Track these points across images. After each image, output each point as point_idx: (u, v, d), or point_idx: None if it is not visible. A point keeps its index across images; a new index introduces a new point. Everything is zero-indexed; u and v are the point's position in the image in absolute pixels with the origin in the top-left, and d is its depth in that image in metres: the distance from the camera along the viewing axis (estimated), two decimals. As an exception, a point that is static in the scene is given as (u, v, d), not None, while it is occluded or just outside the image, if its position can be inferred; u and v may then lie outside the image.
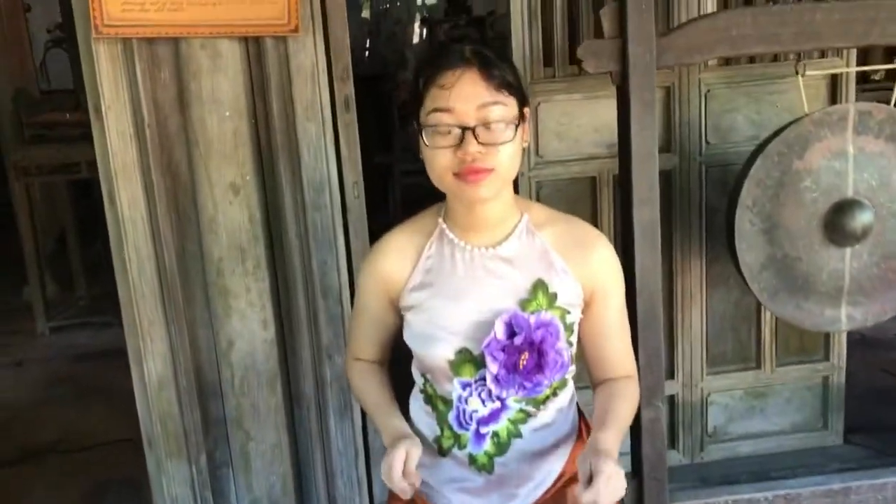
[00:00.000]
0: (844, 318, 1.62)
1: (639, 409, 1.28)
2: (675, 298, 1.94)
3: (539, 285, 1.03)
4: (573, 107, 1.85)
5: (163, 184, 1.59)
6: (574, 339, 1.07)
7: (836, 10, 1.47)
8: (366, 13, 7.64)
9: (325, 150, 1.63)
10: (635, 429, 1.49)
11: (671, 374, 1.96)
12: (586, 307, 1.08)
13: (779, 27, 1.45)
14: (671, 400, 1.98)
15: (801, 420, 2.07)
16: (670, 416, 1.99)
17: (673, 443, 2.02)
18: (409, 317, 1.06)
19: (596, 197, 1.88)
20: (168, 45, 1.51)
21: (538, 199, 1.86)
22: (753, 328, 2.00)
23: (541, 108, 1.83)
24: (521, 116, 0.98)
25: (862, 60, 2.17)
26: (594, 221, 1.89)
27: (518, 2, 1.78)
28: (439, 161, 0.95)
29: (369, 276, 1.09)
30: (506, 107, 0.95)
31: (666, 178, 1.88)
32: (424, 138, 0.95)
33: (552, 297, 1.03)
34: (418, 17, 7.56)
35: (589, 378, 1.11)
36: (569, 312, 1.04)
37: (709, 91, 1.89)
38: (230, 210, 1.59)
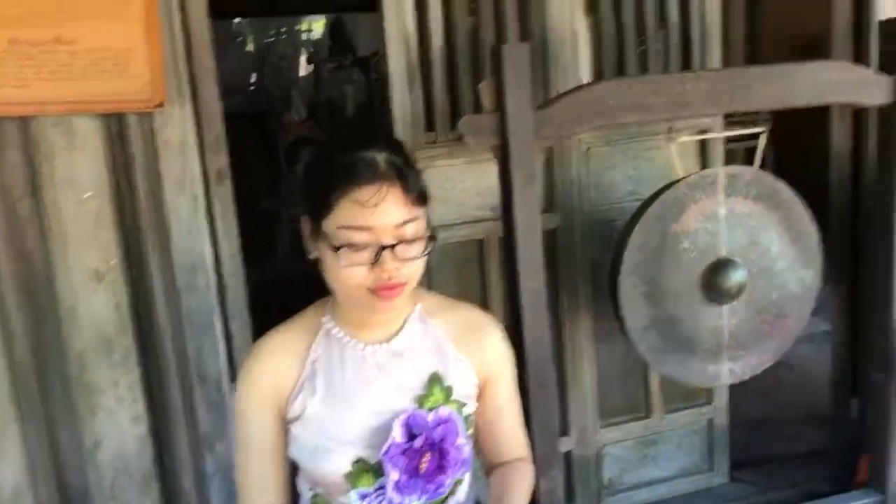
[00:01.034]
0: (726, 372, 1.68)
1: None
2: (565, 355, 1.96)
3: (434, 379, 1.00)
4: (456, 171, 1.83)
5: (14, 272, 1.43)
6: (472, 430, 1.04)
7: (703, 79, 1.53)
8: (251, 46, 7.46)
9: (199, 227, 1.53)
10: (532, 502, 1.47)
11: (565, 431, 1.97)
12: (480, 393, 1.05)
13: (651, 97, 1.49)
14: (567, 456, 1.98)
15: (689, 464, 2.14)
16: (567, 473, 1.99)
17: (571, 498, 2.03)
18: (295, 429, 0.97)
19: (483, 260, 1.88)
20: (15, 125, 1.38)
21: (428, 267, 1.83)
22: (642, 379, 2.05)
23: (424, 174, 1.80)
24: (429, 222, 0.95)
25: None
26: (482, 284, 1.88)
27: (397, 66, 1.76)
28: (352, 279, 0.89)
29: (250, 389, 0.99)
30: (420, 220, 0.91)
31: (551, 236, 1.90)
32: (334, 253, 0.89)
33: (448, 391, 1.00)
34: (304, 52, 7.45)
35: (482, 462, 1.07)
36: (465, 405, 1.01)
37: (588, 150, 1.93)
38: (93, 298, 1.46)
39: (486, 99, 1.42)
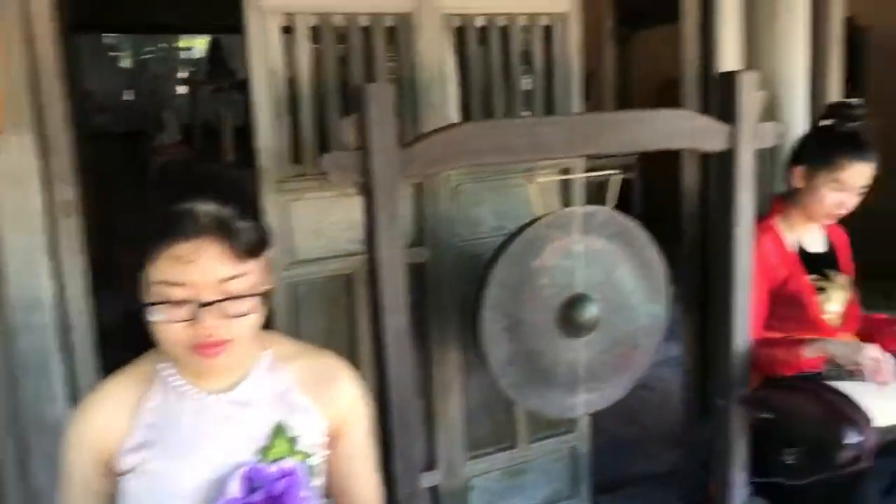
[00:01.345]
0: (583, 404, 1.75)
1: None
2: (433, 388, 1.97)
3: (279, 430, 0.97)
4: (325, 204, 1.82)
5: None
6: (319, 481, 1.02)
7: (561, 124, 1.62)
8: (127, 62, 7.12)
9: (38, 263, 1.43)
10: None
11: (432, 465, 1.98)
12: (332, 442, 1.04)
13: (513, 139, 1.55)
14: (433, 491, 1.99)
15: (554, 491, 2.20)
16: (435, 506, 2.01)
17: (440, 532, 2.04)
18: (128, 483, 0.92)
19: (353, 295, 1.87)
20: None
21: (296, 301, 1.80)
22: (508, 409, 2.09)
23: (292, 207, 1.78)
24: (265, 271, 0.92)
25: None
26: (351, 320, 1.87)
27: (263, 97, 1.73)
28: (172, 335, 0.86)
29: (77, 439, 0.94)
30: (248, 276, 0.88)
31: (420, 270, 1.93)
32: (152, 308, 0.85)
33: (293, 442, 0.97)
34: (182, 71, 7.20)
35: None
36: (312, 455, 0.99)
37: (458, 186, 1.98)
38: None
39: (348, 136, 1.42)
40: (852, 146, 1.87)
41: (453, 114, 1.95)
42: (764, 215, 2.04)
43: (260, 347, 0.99)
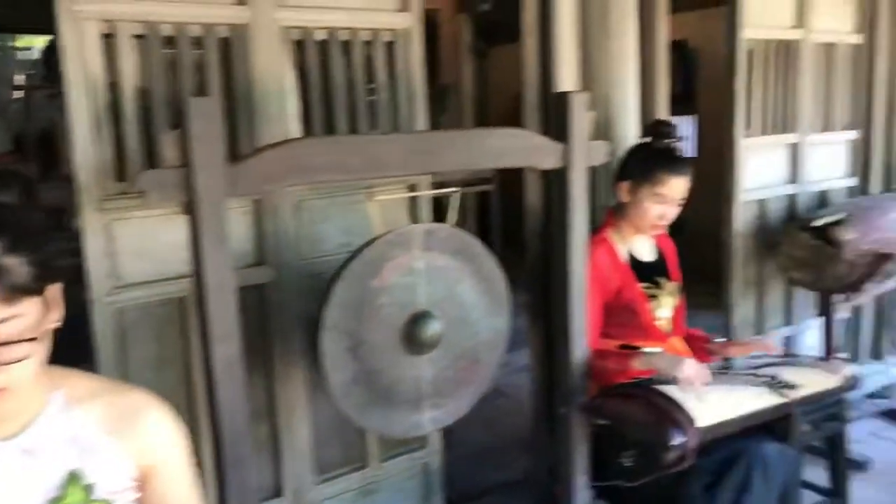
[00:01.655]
0: (428, 421, 1.74)
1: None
2: (278, 412, 1.91)
3: (73, 478, 0.88)
4: (154, 224, 1.71)
5: None
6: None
7: (398, 142, 1.61)
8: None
9: None
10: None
11: (279, 492, 1.91)
12: (145, 483, 0.96)
13: (349, 156, 1.52)
14: (282, 518, 1.92)
15: (408, 509, 2.19)
16: (283, 535, 1.94)
17: (289, 560, 1.96)
18: None
19: (185, 320, 1.76)
20: None
21: (122, 329, 1.68)
22: (358, 428, 2.06)
23: (115, 227, 1.66)
24: (48, 307, 0.83)
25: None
26: (184, 346, 1.77)
27: (80, 110, 1.60)
28: None
29: None
30: (21, 318, 0.79)
31: (261, 291, 1.86)
32: None
33: (89, 490, 0.89)
34: (18, 73, 6.63)
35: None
36: (112, 503, 0.91)
37: (300, 203, 1.92)
38: None
39: (171, 152, 1.34)
40: (669, 161, 2.01)
41: (294, 128, 1.90)
42: (598, 228, 2.15)
43: (49, 388, 0.90)
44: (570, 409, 1.92)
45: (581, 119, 1.81)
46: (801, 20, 3.03)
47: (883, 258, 2.75)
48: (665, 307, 2.15)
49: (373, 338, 1.63)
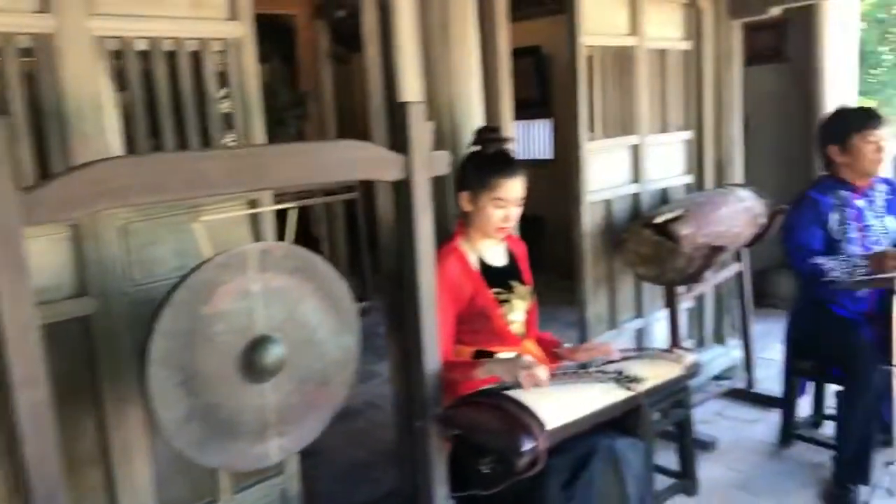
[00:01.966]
0: (275, 450, 1.66)
1: None
2: (112, 454, 1.75)
3: None
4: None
5: None
6: None
7: (222, 158, 1.51)
8: None
9: None
10: None
11: (117, 541, 1.76)
12: None
13: (166, 176, 1.41)
14: (121, 569, 1.77)
15: (267, 539, 2.09)
16: (125, 585, 1.78)
17: None
18: None
19: None
20: None
21: None
22: (205, 463, 1.94)
23: None
24: None
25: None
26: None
27: None
28: None
29: None
30: None
31: (84, 324, 1.70)
32: None
33: None
34: None
35: None
36: None
37: (125, 226, 1.78)
38: None
39: (-51, 182, 1.19)
40: (501, 165, 2.06)
41: (115, 145, 1.76)
42: (449, 238, 2.16)
43: None
44: (426, 422, 1.90)
45: (420, 129, 1.79)
46: (634, 28, 3.19)
47: (716, 250, 2.94)
48: (518, 311, 2.19)
49: (207, 369, 1.53)
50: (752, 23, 4.81)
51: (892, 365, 2.32)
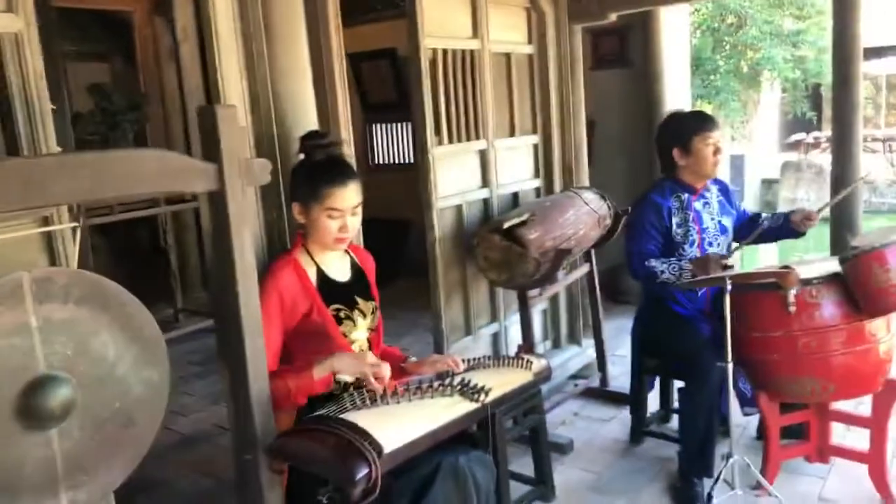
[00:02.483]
0: (66, 505, 1.44)
1: None
2: None
3: None
4: None
5: None
6: None
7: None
8: None
9: None
10: None
11: None
12: None
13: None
14: None
15: None
16: None
17: None
18: None
19: None
20: None
21: None
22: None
23: None
24: None
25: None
26: None
27: None
28: None
29: None
30: None
31: None
32: None
33: None
34: None
35: None
36: None
37: None
38: None
39: None
40: (329, 173, 1.93)
41: None
42: (289, 249, 2.02)
43: None
44: (255, 454, 1.74)
45: (234, 135, 1.62)
46: (477, 31, 3.16)
47: (563, 253, 2.96)
48: (360, 329, 2.06)
49: (-29, 419, 1.29)
50: (597, 29, 5.00)
51: (727, 362, 2.40)
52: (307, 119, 2.23)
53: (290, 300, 1.92)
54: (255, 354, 1.71)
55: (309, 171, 1.95)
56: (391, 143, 6.86)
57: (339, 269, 2.08)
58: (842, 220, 4.53)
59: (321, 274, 2.02)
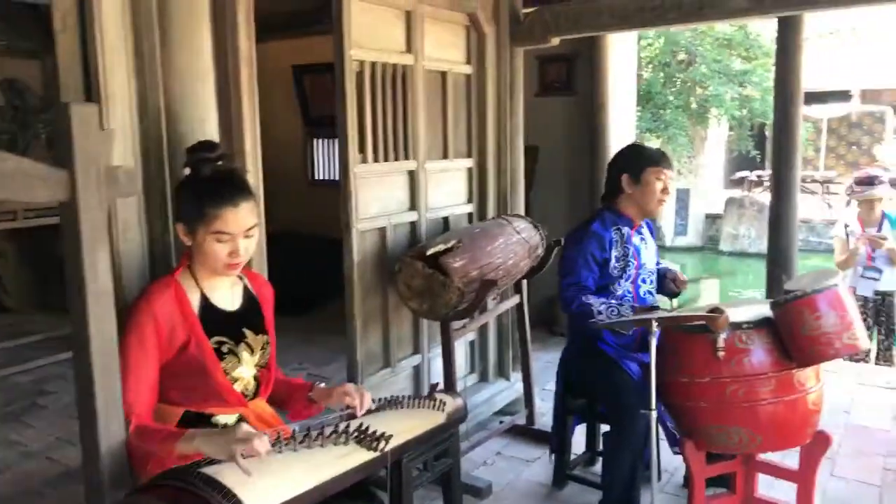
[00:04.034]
0: None
1: None
2: None
3: None
4: None
5: None
6: None
7: None
8: None
9: None
10: None
11: None
12: None
13: None
14: None
15: None
16: None
17: None
18: None
19: None
20: None
21: None
22: None
23: None
24: None
25: None
26: None
27: None
28: None
29: None
30: None
31: None
32: None
33: None
34: None
35: None
36: None
37: None
38: None
39: None
40: (217, 192, 1.70)
41: None
42: (172, 271, 1.78)
43: None
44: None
45: (92, 138, 1.40)
46: (411, 45, 3.00)
47: (489, 283, 2.79)
48: (247, 365, 1.83)
49: None
50: (544, 55, 4.92)
51: (651, 409, 2.25)
52: (206, 127, 2.01)
53: (166, 329, 1.69)
54: (108, 394, 1.48)
55: (195, 188, 1.72)
56: (332, 158, 6.64)
57: (228, 297, 1.85)
58: (777, 260, 4.51)
59: (205, 300, 1.78)
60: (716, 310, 2.27)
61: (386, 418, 1.90)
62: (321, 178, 6.70)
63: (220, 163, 1.76)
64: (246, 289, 1.91)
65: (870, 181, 4.23)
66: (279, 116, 6.22)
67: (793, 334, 2.20)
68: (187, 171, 1.77)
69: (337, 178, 6.48)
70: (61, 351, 4.62)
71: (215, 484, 1.42)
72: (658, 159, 2.65)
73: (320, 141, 6.69)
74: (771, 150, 5.84)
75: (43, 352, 4.60)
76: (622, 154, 2.74)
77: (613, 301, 2.55)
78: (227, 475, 1.46)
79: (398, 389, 3.03)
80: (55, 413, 3.81)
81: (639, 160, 2.65)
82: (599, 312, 2.50)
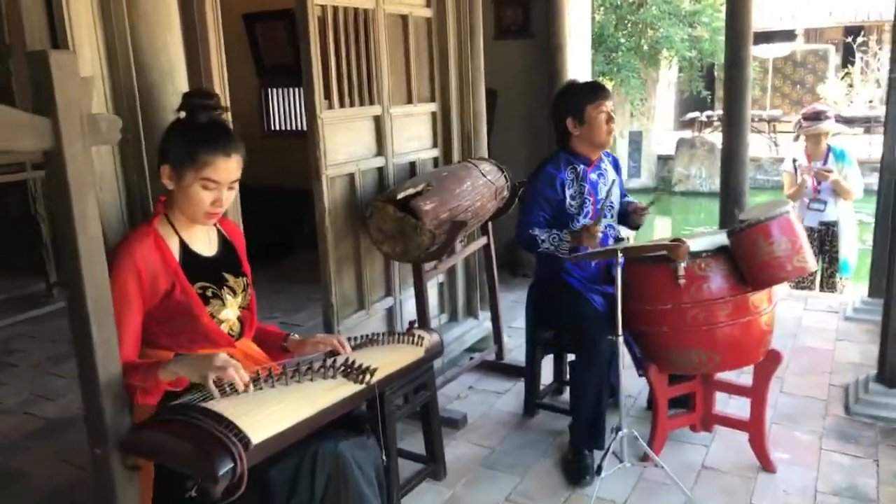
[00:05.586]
0: None
1: None
2: None
3: None
4: None
5: None
6: None
7: None
8: None
9: None
10: None
11: None
12: None
13: None
14: None
15: None
16: None
17: None
18: None
19: None
20: None
21: None
22: None
23: None
24: None
25: None
26: None
27: None
28: None
29: None
30: None
31: None
32: None
33: None
34: None
35: None
36: None
37: None
38: None
39: None
40: (212, 140, 1.72)
41: None
42: (149, 219, 1.80)
43: None
44: (106, 448, 1.55)
45: (72, 86, 1.41)
46: (371, -12, 2.98)
47: (459, 225, 2.86)
48: (230, 307, 1.88)
49: None
50: (499, -3, 4.91)
51: (617, 335, 2.38)
52: (175, 75, 2.01)
53: (149, 277, 1.72)
54: (104, 337, 1.52)
55: (189, 133, 1.73)
56: (288, 108, 6.56)
57: (205, 243, 1.89)
58: (730, 196, 4.69)
59: (185, 247, 1.82)
60: (677, 240, 2.39)
61: (369, 353, 1.99)
62: (277, 129, 6.62)
63: (216, 112, 1.77)
64: (220, 234, 1.95)
65: (817, 116, 4.40)
66: (230, 67, 6.08)
67: (748, 260, 2.34)
68: (181, 115, 1.78)
69: (294, 128, 6.45)
70: (25, 310, 4.58)
71: (216, 415, 1.49)
72: (595, 93, 2.74)
73: (275, 90, 6.58)
74: (722, 89, 5.97)
75: (6, 312, 4.54)
76: (560, 98, 2.82)
77: (554, 230, 2.68)
78: (227, 407, 1.53)
79: (373, 330, 3.10)
80: (26, 371, 3.80)
81: (577, 101, 2.73)
82: (543, 241, 2.69)
